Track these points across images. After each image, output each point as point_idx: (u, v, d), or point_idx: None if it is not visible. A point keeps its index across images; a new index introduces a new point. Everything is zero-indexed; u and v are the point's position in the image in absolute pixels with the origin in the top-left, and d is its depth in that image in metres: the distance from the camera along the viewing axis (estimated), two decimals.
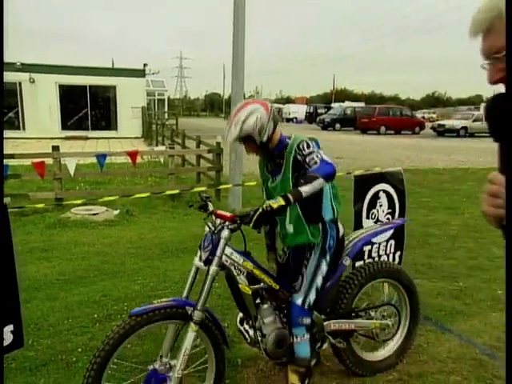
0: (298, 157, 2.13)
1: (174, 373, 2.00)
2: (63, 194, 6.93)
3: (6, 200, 2.26)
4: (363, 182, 3.23)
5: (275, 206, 1.89)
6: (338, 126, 30.95)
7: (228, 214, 2.10)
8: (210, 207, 2.25)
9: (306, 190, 1.94)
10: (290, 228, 2.27)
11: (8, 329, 2.27)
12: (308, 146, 2.12)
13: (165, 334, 2.17)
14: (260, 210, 1.89)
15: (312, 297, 2.23)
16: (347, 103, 40.86)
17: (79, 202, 5.37)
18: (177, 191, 6.84)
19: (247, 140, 2.17)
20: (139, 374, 2.21)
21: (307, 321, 2.23)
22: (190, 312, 2.03)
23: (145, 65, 21.93)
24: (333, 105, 40.84)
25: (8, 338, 2.28)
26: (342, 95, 60.50)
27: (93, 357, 1.90)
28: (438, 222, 6.25)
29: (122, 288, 3.85)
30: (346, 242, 2.56)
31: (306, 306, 2.22)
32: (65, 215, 6.34)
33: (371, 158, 14.02)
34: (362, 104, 39.96)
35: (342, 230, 2.34)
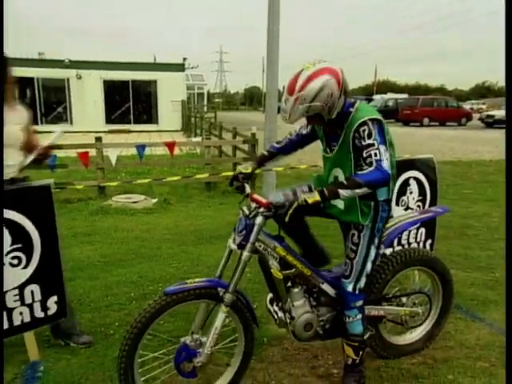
0: (356, 141, 1.98)
1: (203, 349, 2.07)
2: (105, 183, 7.29)
3: (50, 182, 2.46)
4: None
5: (310, 201, 1.86)
6: None
7: (264, 200, 2.08)
8: (247, 189, 2.24)
9: (344, 193, 1.89)
10: (339, 203, 2.18)
11: (52, 300, 2.48)
12: (369, 135, 1.93)
13: (196, 312, 2.24)
14: (295, 204, 1.86)
15: (362, 282, 2.23)
16: (389, 95, 39.68)
17: (115, 184, 5.71)
18: (206, 175, 7.04)
19: (313, 116, 2.01)
20: (170, 346, 2.31)
21: (359, 303, 2.24)
22: (221, 294, 2.08)
23: (184, 59, 22.34)
24: (374, 97, 39.80)
25: (52, 308, 2.49)
26: (385, 87, 58.75)
27: (129, 329, 1.99)
28: (478, 214, 6.04)
29: (157, 270, 4.04)
30: None
31: (356, 291, 2.23)
32: (107, 203, 6.68)
33: (412, 149, 13.59)
34: (405, 95, 38.68)
35: (392, 210, 2.25)
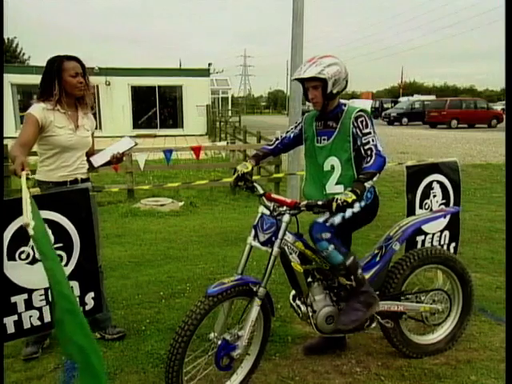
0: (354, 130, 2.29)
1: (241, 342, 2.21)
2: (134, 187, 7.54)
3: (88, 185, 2.64)
4: (416, 173, 3.22)
5: (350, 200, 2.05)
6: (404, 120, 29.76)
7: (288, 200, 2.25)
8: (259, 190, 2.37)
9: (367, 185, 2.16)
10: (338, 189, 2.35)
11: (89, 296, 2.64)
12: (366, 125, 2.28)
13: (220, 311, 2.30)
14: (334, 204, 2.04)
15: (336, 219, 2.31)
16: (416, 97, 39.09)
17: (146, 187, 5.97)
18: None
19: (319, 85, 2.29)
20: (206, 343, 2.38)
21: (326, 235, 2.28)
22: (255, 289, 2.21)
23: (209, 64, 22.73)
24: (400, 99, 39.25)
25: (90, 303, 2.65)
26: (411, 89, 57.77)
27: (180, 331, 2.07)
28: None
29: (185, 271, 4.18)
30: (397, 228, 2.64)
31: (327, 224, 2.30)
32: (135, 205, 6.92)
33: (438, 152, 13.44)
34: (433, 97, 38.00)
35: (376, 191, 2.47)
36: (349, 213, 2.34)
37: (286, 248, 2.28)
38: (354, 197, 2.07)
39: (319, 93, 2.31)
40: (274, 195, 2.33)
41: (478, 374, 2.47)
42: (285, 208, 2.24)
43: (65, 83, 2.59)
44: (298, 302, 2.46)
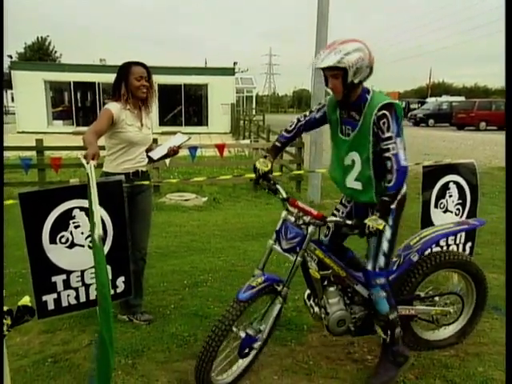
0: (375, 130, 2.18)
1: (262, 335, 2.35)
2: (160, 182, 7.82)
3: (121, 177, 2.85)
4: (432, 173, 3.31)
5: (381, 227, 2.06)
6: (431, 121, 29.24)
7: (314, 212, 2.25)
8: (283, 193, 2.36)
9: (393, 206, 2.15)
10: (357, 185, 2.35)
11: (121, 279, 2.86)
12: (388, 129, 2.13)
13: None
14: (367, 231, 2.06)
15: (381, 260, 2.36)
16: (444, 97, 38.33)
17: (174, 180, 6.25)
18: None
19: (338, 74, 2.14)
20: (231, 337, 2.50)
21: (380, 281, 2.35)
22: (279, 288, 2.31)
23: (235, 63, 22.96)
24: (428, 99, 38.57)
25: (120, 286, 2.87)
26: (440, 89, 56.61)
27: (213, 334, 2.18)
28: None
29: (207, 262, 4.39)
30: (417, 239, 2.65)
31: (376, 269, 2.36)
32: (161, 200, 7.19)
33: (464, 155, 13.21)
34: (462, 98, 37.18)
35: (404, 189, 2.32)
36: (388, 234, 2.34)
37: (305, 255, 2.33)
38: (384, 223, 2.08)
39: (339, 82, 2.16)
40: (299, 203, 2.31)
41: (485, 366, 2.57)
42: (311, 219, 2.24)
43: (130, 85, 2.92)
44: (312, 303, 2.54)
